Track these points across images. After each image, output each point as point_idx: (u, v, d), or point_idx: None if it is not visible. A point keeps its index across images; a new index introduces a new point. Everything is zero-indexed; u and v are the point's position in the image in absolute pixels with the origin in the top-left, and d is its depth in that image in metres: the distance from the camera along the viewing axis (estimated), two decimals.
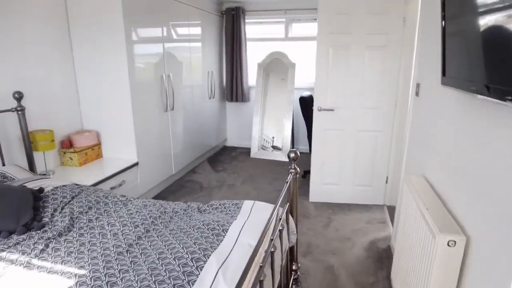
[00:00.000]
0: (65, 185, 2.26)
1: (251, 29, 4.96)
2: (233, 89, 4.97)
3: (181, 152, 3.85)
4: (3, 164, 2.40)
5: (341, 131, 3.11)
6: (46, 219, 1.90)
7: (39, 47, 2.70)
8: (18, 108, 2.43)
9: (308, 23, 4.71)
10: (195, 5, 3.98)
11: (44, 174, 2.72)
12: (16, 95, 2.40)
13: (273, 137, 4.82)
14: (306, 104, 3.65)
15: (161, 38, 3.32)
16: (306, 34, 4.74)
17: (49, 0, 2.75)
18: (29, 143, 2.53)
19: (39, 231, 1.77)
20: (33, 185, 2.19)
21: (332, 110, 3.03)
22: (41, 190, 2.13)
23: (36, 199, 2.05)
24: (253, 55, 5.01)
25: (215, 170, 4.26)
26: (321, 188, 3.30)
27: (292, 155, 1.93)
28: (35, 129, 2.68)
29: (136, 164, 3.07)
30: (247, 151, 5.02)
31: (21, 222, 1.81)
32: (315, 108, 3.07)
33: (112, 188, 2.78)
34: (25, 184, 2.16)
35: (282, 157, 4.67)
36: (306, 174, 4.00)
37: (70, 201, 2.08)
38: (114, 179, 2.81)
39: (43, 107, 2.78)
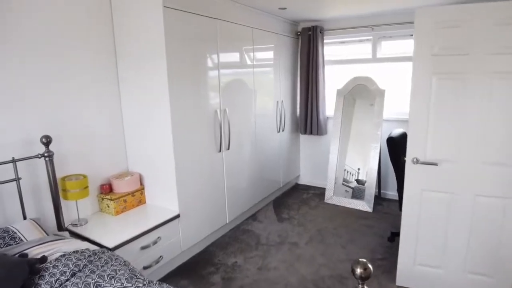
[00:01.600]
0: (76, 251, 1.87)
1: (330, 50, 4.24)
2: (308, 120, 4.27)
3: (238, 198, 3.29)
4: (24, 217, 2.15)
5: (448, 195, 2.14)
6: None
7: (82, 85, 2.47)
8: (45, 154, 2.17)
9: (402, 40, 3.78)
10: (264, 28, 3.47)
11: (75, 225, 2.44)
12: (43, 140, 2.15)
13: (358, 169, 3.93)
14: (396, 147, 2.75)
15: (215, 67, 2.86)
16: (399, 53, 3.81)
17: (96, 39, 2.53)
18: (56, 192, 2.26)
19: None
20: (41, 250, 1.84)
21: (435, 164, 2.10)
22: (43, 259, 1.76)
23: (33, 272, 1.69)
24: (332, 81, 4.26)
25: (279, 218, 3.58)
26: (413, 269, 2.35)
27: (359, 270, 1.14)
28: (69, 174, 2.43)
29: (177, 216, 2.60)
30: (322, 192, 4.23)
31: None
32: (408, 158, 2.19)
33: (143, 248, 2.34)
34: (31, 249, 1.83)
35: (363, 206, 3.75)
36: (394, 236, 3.03)
37: (67, 280, 1.66)
38: (147, 236, 2.37)
39: (84, 148, 2.53)
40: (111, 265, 1.81)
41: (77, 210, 2.46)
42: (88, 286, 1.61)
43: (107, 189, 2.65)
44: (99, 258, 1.85)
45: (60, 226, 2.31)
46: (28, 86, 2.18)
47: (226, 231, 3.27)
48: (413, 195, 2.22)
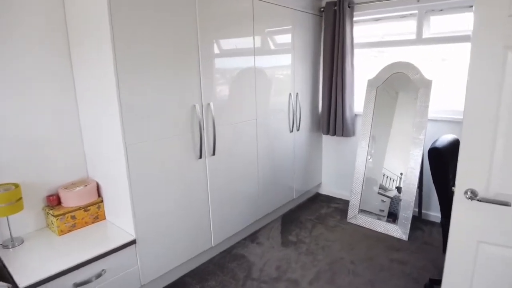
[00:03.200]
0: None
1: (361, 30, 3.37)
2: (331, 118, 3.46)
3: (229, 216, 2.62)
4: None
5: None
6: None
7: (27, 79, 1.95)
8: None
9: (457, 14, 2.83)
10: (271, 0, 2.73)
11: (6, 246, 1.93)
12: None
13: (401, 174, 3.06)
14: (442, 161, 1.89)
15: (193, 49, 2.19)
16: (453, 32, 2.86)
17: (45, 21, 1.98)
18: None
19: None
20: None
21: (507, 204, 1.25)
22: None
23: None
24: (363, 69, 3.41)
25: (283, 241, 2.86)
26: None
27: None
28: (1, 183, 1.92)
29: (132, 242, 1.99)
30: (346, 206, 3.42)
31: None
32: (459, 189, 1.35)
33: (78, 286, 1.77)
34: None
35: (396, 231, 2.89)
36: (433, 285, 2.18)
37: None
38: (85, 269, 1.80)
39: (28, 151, 2.03)
40: None
41: (9, 227, 1.95)
42: None
43: (54, 201, 2.12)
44: None
45: None
46: None
47: (213, 255, 2.62)
48: (463, 247, 1.39)
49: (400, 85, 3.05)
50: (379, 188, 3.18)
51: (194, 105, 2.21)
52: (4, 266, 1.78)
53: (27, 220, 2.07)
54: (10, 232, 1.96)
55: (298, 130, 3.30)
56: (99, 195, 2.24)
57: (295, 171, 3.37)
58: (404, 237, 2.82)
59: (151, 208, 2.06)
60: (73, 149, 2.23)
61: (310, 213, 3.39)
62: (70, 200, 2.10)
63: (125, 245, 1.96)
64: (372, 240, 2.83)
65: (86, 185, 2.17)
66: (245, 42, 2.56)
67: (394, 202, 3.05)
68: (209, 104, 2.30)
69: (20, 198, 1.92)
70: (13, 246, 1.94)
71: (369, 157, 3.24)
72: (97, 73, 1.93)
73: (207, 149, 2.34)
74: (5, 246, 1.93)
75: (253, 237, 2.91)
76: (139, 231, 2.02)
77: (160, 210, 2.11)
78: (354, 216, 3.17)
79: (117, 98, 1.81)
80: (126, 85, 1.83)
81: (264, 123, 2.85)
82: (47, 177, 2.13)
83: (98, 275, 1.86)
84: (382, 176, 3.17)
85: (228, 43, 2.42)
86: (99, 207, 2.21)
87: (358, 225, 3.11)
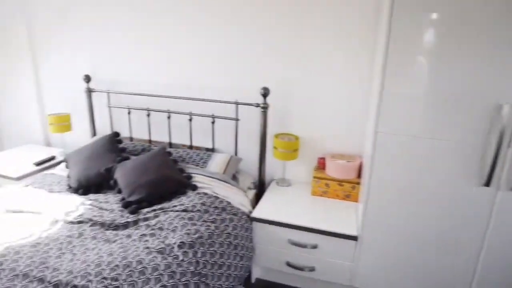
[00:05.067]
0: (210, 203, 1.92)
1: None
2: None
3: None
4: (236, 153, 2.41)
5: None
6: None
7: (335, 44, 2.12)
8: (262, 105, 2.21)
9: None
10: None
11: (278, 182, 2.40)
12: (261, 91, 2.17)
13: None
14: None
15: None
16: None
17: None
18: (263, 144, 2.28)
19: None
20: (202, 180, 2.06)
21: None
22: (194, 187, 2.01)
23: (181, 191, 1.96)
24: None
25: None
26: None
27: None
28: (285, 132, 2.33)
29: (352, 238, 1.80)
30: None
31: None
32: None
33: (292, 244, 1.92)
34: (197, 175, 2.09)
35: None
36: None
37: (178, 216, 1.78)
38: (302, 234, 1.90)
39: (319, 112, 2.28)
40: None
41: (284, 169, 2.37)
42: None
43: (321, 164, 2.28)
44: (220, 227, 1.79)
45: (261, 177, 2.36)
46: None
47: None
48: None
49: None
50: None
51: (501, 105, 1.43)
52: (258, 195, 2.22)
53: (301, 170, 2.40)
54: (284, 174, 2.38)
55: None
56: (359, 175, 2.14)
57: None
58: None
59: (388, 215, 1.71)
60: (357, 122, 2.20)
61: None
62: (329, 168, 2.17)
63: (344, 235, 1.81)
64: None
65: (349, 161, 2.13)
66: None
67: None
68: None
69: (297, 149, 2.24)
70: (282, 185, 2.35)
71: None
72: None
73: (505, 176, 1.51)
74: (277, 183, 2.39)
75: None
76: (365, 232, 1.77)
77: (397, 226, 1.71)
78: None
79: (382, 63, 1.52)
80: (396, 47, 1.49)
81: None
82: (327, 141, 2.29)
83: (314, 246, 1.89)
84: None
85: None
86: (353, 187, 2.13)
87: None
